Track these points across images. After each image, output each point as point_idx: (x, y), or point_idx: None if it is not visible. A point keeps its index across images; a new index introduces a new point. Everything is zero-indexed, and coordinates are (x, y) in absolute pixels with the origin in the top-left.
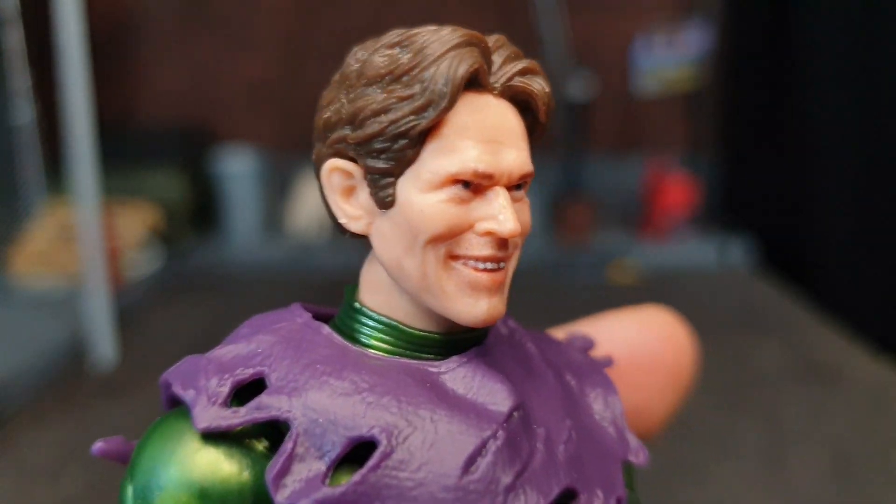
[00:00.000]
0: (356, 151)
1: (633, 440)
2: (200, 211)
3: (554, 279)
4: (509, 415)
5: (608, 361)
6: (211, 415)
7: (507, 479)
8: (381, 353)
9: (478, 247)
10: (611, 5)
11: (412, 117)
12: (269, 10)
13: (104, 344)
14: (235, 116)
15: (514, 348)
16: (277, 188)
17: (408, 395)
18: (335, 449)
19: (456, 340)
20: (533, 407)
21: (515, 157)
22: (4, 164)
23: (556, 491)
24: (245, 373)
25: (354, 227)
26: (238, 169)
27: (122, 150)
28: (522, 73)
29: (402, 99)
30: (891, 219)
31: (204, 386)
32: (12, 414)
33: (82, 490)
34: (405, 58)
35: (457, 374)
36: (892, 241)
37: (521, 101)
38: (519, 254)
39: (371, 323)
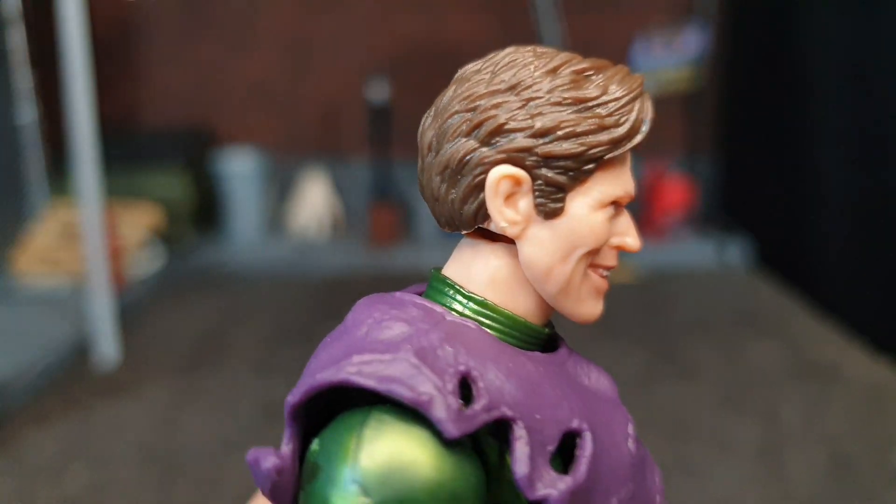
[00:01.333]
0: (536, 163)
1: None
2: (203, 210)
3: None
4: (612, 404)
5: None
6: (459, 419)
7: (641, 453)
8: (517, 349)
9: (610, 258)
10: (610, 7)
11: (608, 146)
12: (270, 11)
13: (107, 343)
14: (237, 117)
15: (569, 354)
16: (279, 188)
17: (569, 385)
18: (554, 442)
19: (547, 336)
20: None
21: (633, 182)
22: (8, 164)
23: (658, 475)
24: (458, 371)
25: (510, 231)
26: (240, 169)
27: (124, 150)
28: (650, 122)
29: (603, 128)
30: (887, 220)
31: (439, 388)
32: (15, 412)
33: (84, 488)
34: (606, 90)
35: (570, 364)
36: (888, 243)
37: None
38: None
39: (495, 316)
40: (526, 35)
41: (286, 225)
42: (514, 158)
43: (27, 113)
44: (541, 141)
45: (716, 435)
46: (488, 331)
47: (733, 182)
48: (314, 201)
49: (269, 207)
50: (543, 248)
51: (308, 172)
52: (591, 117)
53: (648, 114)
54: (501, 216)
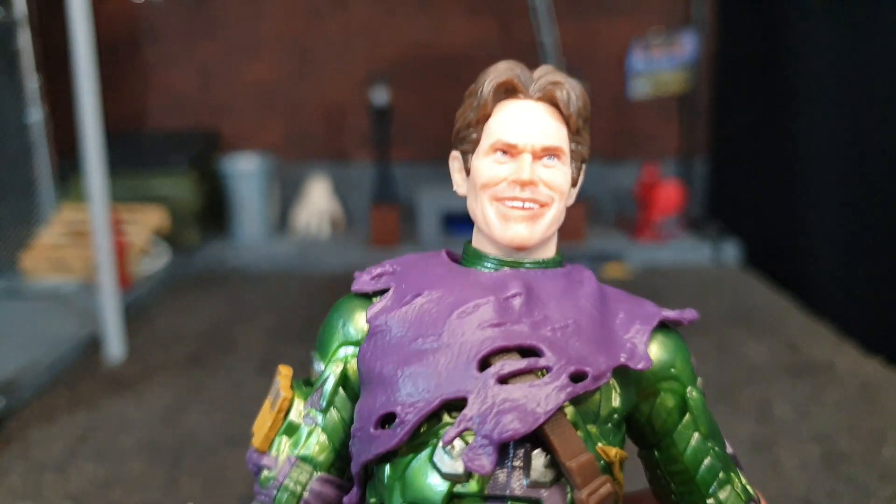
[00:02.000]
0: (456, 143)
1: (640, 352)
2: (208, 211)
3: None
4: (511, 295)
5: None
6: (357, 284)
7: (484, 322)
8: (472, 269)
9: (507, 191)
10: (607, 11)
11: (472, 114)
12: (275, 16)
13: (113, 340)
14: (242, 119)
15: (565, 278)
16: (283, 188)
17: (453, 278)
18: (407, 295)
19: (518, 263)
20: (547, 304)
21: (536, 133)
22: (16, 164)
23: (517, 342)
24: (380, 268)
25: (459, 191)
26: (244, 170)
27: (131, 151)
28: (553, 84)
29: (471, 106)
30: (877, 223)
31: (361, 274)
32: (22, 408)
33: (90, 483)
34: (479, 83)
35: (497, 276)
36: (878, 245)
37: (554, 103)
38: (559, 207)
39: (468, 250)
40: (525, 40)
41: (290, 225)
42: (453, 145)
43: (34, 115)
44: (454, 129)
45: None
46: (447, 257)
47: (724, 185)
48: (317, 202)
49: (273, 208)
50: (468, 196)
51: (311, 173)
52: (466, 101)
53: (496, 82)
54: (454, 183)
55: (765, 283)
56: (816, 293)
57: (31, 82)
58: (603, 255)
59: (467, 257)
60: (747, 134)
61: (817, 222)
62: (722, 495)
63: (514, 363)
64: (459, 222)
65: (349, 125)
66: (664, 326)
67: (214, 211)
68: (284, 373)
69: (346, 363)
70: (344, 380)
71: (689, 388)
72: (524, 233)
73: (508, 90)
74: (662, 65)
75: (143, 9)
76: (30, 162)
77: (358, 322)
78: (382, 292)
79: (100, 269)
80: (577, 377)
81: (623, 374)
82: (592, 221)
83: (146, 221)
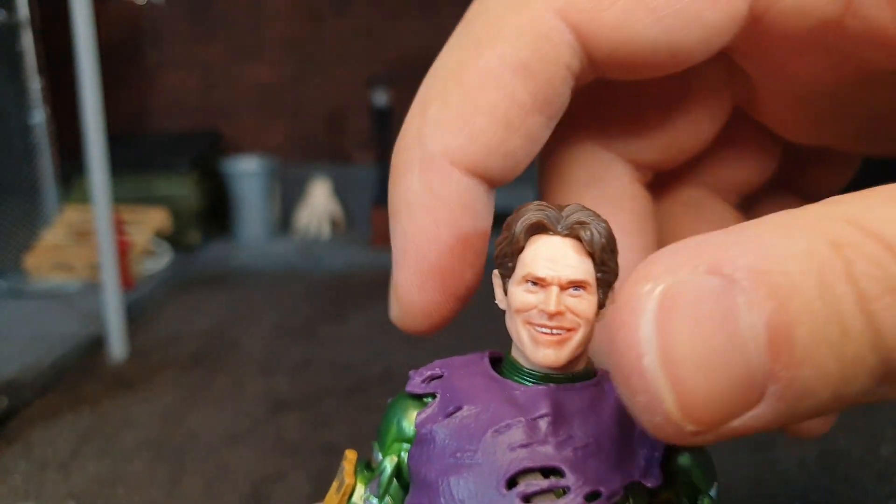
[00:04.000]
0: (497, 267)
1: (653, 469)
2: (210, 211)
3: None
4: (539, 416)
5: None
6: (409, 386)
7: (513, 443)
8: (508, 381)
9: (537, 318)
10: None
11: (507, 246)
12: (276, 18)
13: (116, 339)
14: (244, 120)
15: (593, 390)
16: (284, 189)
17: (491, 393)
18: (450, 408)
19: (549, 377)
20: (572, 423)
21: (563, 268)
22: (20, 165)
23: (541, 463)
24: (431, 369)
25: (501, 306)
26: (246, 171)
27: (134, 153)
28: (578, 223)
29: (505, 238)
30: None
31: (413, 375)
32: (24, 407)
33: (92, 482)
34: (512, 218)
35: (530, 393)
36: None
37: (579, 240)
38: (585, 330)
39: (508, 361)
40: None
41: (291, 226)
42: (496, 265)
43: (37, 116)
44: (495, 253)
45: None
46: (488, 363)
47: None
48: (318, 203)
49: (275, 208)
50: (506, 313)
51: (312, 174)
52: (504, 232)
53: (528, 222)
54: (497, 297)
55: None
56: None
57: (34, 84)
58: None
59: (506, 368)
60: None
61: None
62: None
63: (537, 483)
64: None
65: (350, 127)
66: None
67: (216, 211)
68: (350, 458)
69: (399, 456)
70: (398, 471)
71: (700, 496)
72: (552, 356)
73: (539, 228)
74: None
75: (145, 11)
76: (33, 163)
77: (411, 420)
78: (432, 394)
79: (102, 269)
80: (592, 496)
81: (640, 485)
82: None
83: (148, 222)
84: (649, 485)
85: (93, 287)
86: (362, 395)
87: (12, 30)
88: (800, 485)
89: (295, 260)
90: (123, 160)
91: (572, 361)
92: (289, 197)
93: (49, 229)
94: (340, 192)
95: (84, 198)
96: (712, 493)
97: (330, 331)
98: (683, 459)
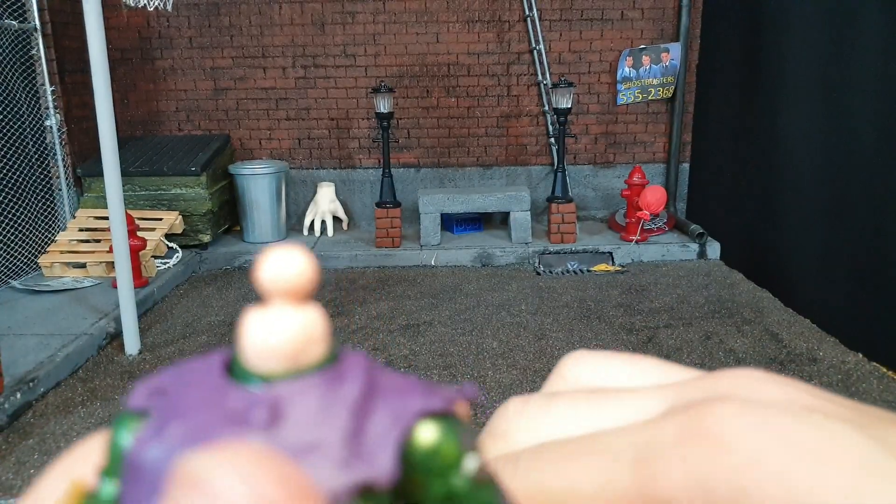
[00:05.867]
0: None
1: (384, 462)
2: (220, 212)
3: (544, 271)
4: (251, 422)
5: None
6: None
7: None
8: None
9: None
10: (598, 23)
11: None
12: (283, 26)
13: (129, 335)
14: (253, 125)
15: (324, 385)
16: (291, 191)
17: (204, 405)
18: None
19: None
20: (289, 424)
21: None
22: (35, 169)
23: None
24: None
25: None
26: (255, 173)
27: (147, 156)
28: None
29: None
30: (853, 226)
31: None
32: (39, 401)
33: None
34: None
35: (245, 396)
36: (855, 247)
37: None
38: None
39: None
40: (519, 49)
41: (299, 226)
42: None
43: (52, 121)
44: None
45: None
46: (222, 366)
47: (703, 187)
48: (323, 204)
49: (282, 210)
50: None
51: (318, 177)
52: None
53: None
54: None
55: (747, 282)
56: (794, 294)
57: (48, 89)
58: (593, 254)
59: (235, 369)
60: (727, 138)
61: (794, 225)
62: None
63: None
64: (458, 223)
65: (354, 131)
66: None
67: (226, 212)
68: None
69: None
70: None
71: (453, 476)
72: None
73: None
74: (650, 74)
75: (155, 18)
76: (47, 166)
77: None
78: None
79: (116, 267)
80: None
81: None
82: (583, 222)
83: (161, 223)
84: (381, 481)
85: (106, 285)
86: None
87: (26, 36)
88: None
89: None
90: (136, 162)
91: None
92: (295, 198)
93: (64, 229)
94: (344, 193)
95: (97, 200)
96: (469, 464)
97: (335, 325)
98: (425, 434)
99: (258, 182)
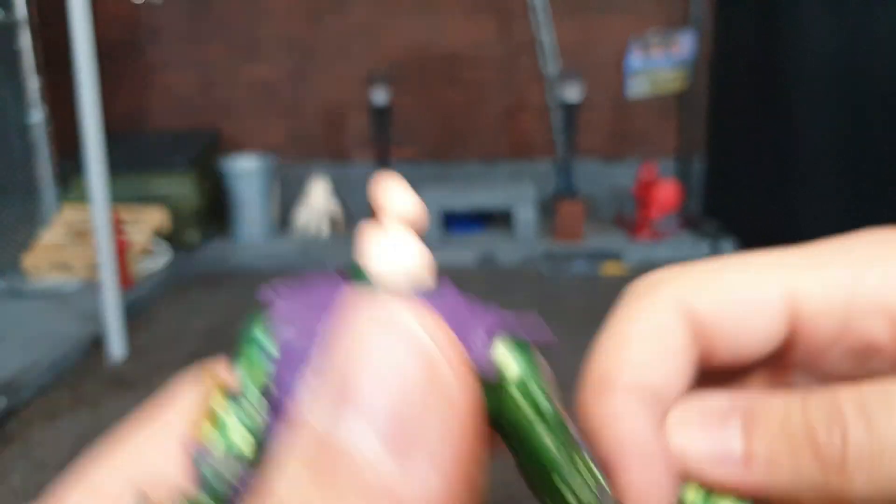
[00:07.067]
0: None
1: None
2: (209, 210)
3: (550, 272)
4: None
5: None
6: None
7: None
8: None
9: None
10: (606, 10)
11: None
12: (275, 16)
13: (115, 339)
14: (243, 119)
15: None
16: (283, 188)
17: None
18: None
19: None
20: None
21: None
22: (18, 164)
23: None
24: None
25: None
26: (245, 170)
27: (132, 152)
28: None
29: None
30: (873, 221)
31: None
32: (24, 407)
33: None
34: None
35: None
36: None
37: None
38: None
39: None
40: (523, 39)
41: (290, 224)
42: None
43: (36, 115)
44: None
45: None
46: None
47: (721, 183)
48: (317, 202)
49: (274, 207)
50: None
51: (311, 173)
52: None
53: None
54: None
55: None
56: None
57: (32, 83)
58: (601, 254)
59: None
60: (744, 132)
61: (813, 221)
62: None
63: None
64: (459, 221)
65: (349, 125)
66: None
67: (215, 210)
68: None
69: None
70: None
71: (533, 389)
72: None
73: None
74: (660, 64)
75: (143, 10)
76: (31, 162)
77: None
78: None
79: (101, 268)
80: None
81: None
82: (591, 220)
83: (147, 221)
84: (489, 373)
85: (91, 287)
86: None
87: (10, 29)
88: None
89: (294, 259)
90: (122, 159)
91: None
92: (288, 196)
93: (47, 229)
94: (339, 190)
95: (82, 197)
96: (544, 387)
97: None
98: (505, 346)
99: (248, 179)
